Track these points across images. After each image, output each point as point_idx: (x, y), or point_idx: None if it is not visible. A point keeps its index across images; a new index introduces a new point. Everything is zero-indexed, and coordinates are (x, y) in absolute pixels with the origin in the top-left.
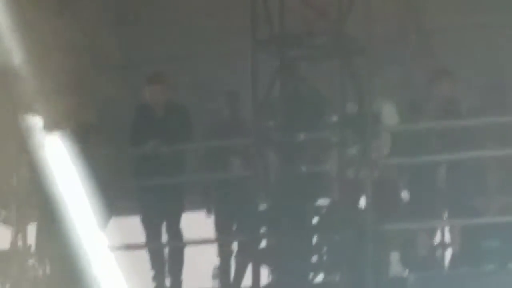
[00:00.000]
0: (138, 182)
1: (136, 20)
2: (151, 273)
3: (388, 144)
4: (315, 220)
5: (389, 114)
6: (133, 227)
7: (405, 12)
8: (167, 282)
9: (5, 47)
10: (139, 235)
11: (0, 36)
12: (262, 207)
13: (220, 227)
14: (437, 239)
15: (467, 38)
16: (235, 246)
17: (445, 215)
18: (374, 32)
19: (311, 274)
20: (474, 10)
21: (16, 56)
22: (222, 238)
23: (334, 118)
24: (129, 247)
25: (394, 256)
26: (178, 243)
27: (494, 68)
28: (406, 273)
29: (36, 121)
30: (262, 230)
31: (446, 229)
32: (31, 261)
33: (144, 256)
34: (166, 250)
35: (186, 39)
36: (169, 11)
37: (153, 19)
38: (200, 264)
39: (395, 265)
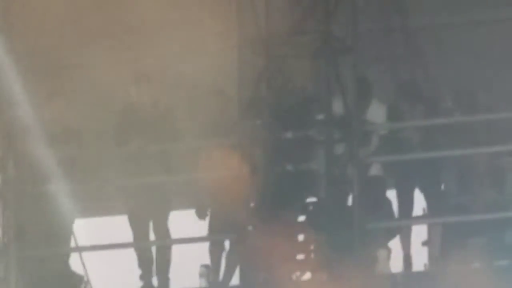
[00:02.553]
0: (125, 182)
1: None
2: (138, 272)
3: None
4: (302, 218)
5: (377, 113)
6: (120, 226)
7: (391, 11)
8: (155, 281)
9: None
10: (127, 234)
11: None
12: (250, 205)
13: (208, 225)
14: (424, 236)
15: (452, 36)
16: (223, 244)
17: (432, 212)
18: (360, 31)
19: (299, 272)
20: (459, 8)
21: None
22: (210, 237)
23: (321, 117)
24: (116, 246)
25: (381, 254)
26: (165, 242)
27: (481, 66)
28: (393, 270)
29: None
30: (250, 228)
31: (433, 226)
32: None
33: (131, 255)
34: (153, 249)
35: (173, 38)
36: (155, 11)
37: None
38: (188, 263)
39: (382, 262)
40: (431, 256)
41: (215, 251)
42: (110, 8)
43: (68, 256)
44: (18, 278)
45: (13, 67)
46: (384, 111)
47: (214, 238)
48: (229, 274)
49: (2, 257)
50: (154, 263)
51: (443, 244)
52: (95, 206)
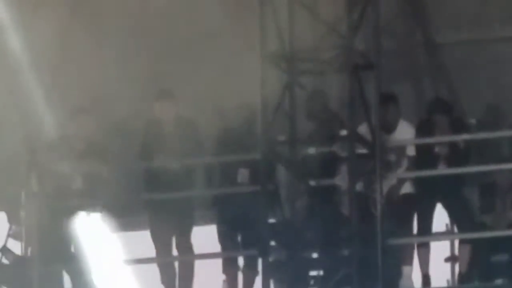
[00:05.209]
0: (148, 197)
1: None
2: (161, 287)
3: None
4: (324, 234)
5: (405, 130)
6: (143, 241)
7: (414, 27)
8: None
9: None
10: (150, 249)
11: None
12: (272, 220)
13: (227, 240)
14: (447, 253)
15: (474, 53)
16: (242, 260)
17: (455, 229)
18: (383, 46)
19: None
20: (481, 25)
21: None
22: (233, 253)
23: (343, 132)
24: (139, 261)
25: (405, 270)
26: (188, 257)
27: (501, 83)
28: (416, 286)
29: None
30: (272, 243)
31: (457, 244)
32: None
33: (154, 270)
34: (176, 264)
35: (197, 53)
36: (180, 25)
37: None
38: (210, 278)
39: (406, 279)
40: (454, 273)
41: (230, 267)
42: (135, 25)
43: (91, 270)
44: None
45: (38, 83)
46: (412, 130)
47: (237, 253)
48: None
49: (25, 272)
50: (177, 278)
51: (466, 260)
52: (118, 221)
